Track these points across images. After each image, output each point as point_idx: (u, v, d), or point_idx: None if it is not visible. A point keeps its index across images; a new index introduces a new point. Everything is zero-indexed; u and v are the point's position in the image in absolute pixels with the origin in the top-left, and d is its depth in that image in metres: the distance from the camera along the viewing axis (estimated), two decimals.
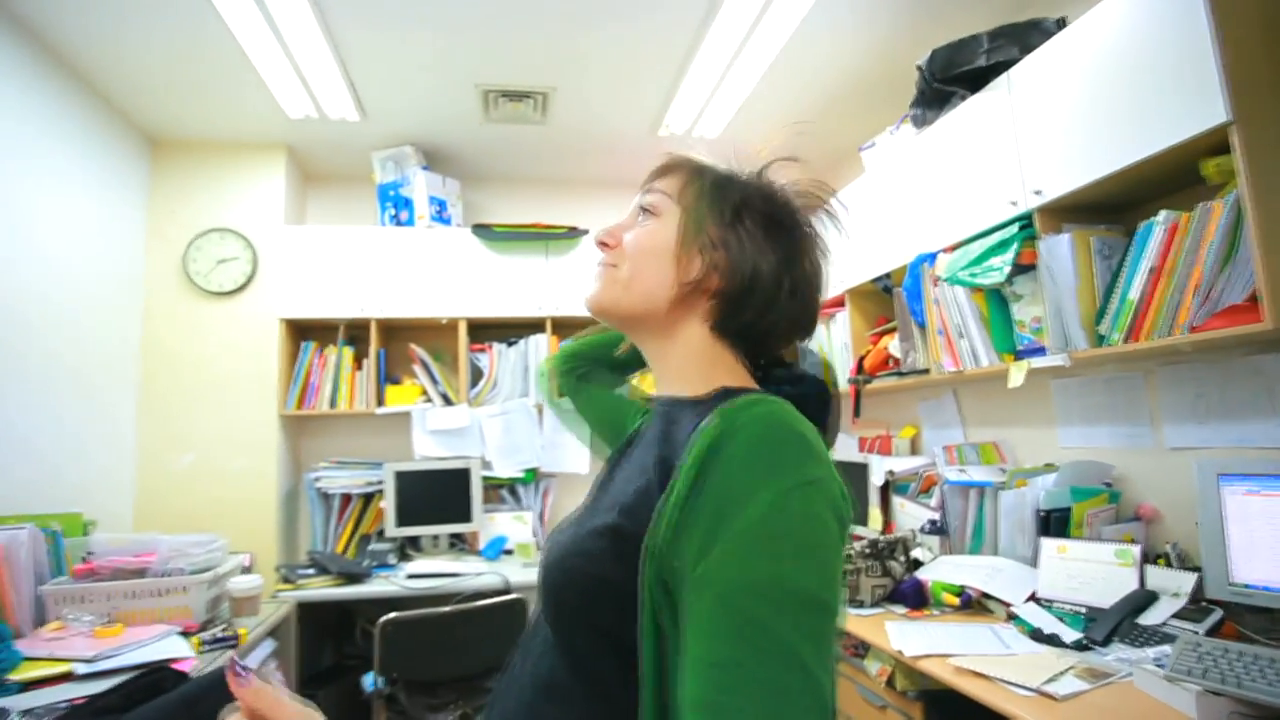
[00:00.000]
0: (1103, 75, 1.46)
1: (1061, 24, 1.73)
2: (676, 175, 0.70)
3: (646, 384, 0.97)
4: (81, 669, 1.51)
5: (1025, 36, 1.77)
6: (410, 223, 2.95)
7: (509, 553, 2.84)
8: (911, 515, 2.20)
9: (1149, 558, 1.55)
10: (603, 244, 0.70)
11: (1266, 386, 1.44)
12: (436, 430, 2.87)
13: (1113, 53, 1.44)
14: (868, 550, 1.90)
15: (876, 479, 2.42)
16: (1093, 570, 1.57)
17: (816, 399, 0.64)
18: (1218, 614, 1.35)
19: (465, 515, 2.85)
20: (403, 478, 2.81)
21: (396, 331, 3.06)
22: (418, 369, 2.93)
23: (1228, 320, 1.26)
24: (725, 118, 2.72)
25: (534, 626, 0.66)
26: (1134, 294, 1.43)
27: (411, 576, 2.47)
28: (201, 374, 2.70)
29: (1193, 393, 1.58)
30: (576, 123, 2.78)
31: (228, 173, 2.82)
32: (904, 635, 1.56)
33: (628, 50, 2.27)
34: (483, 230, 2.93)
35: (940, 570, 1.87)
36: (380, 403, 2.84)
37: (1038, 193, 1.64)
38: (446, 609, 2.01)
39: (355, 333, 2.90)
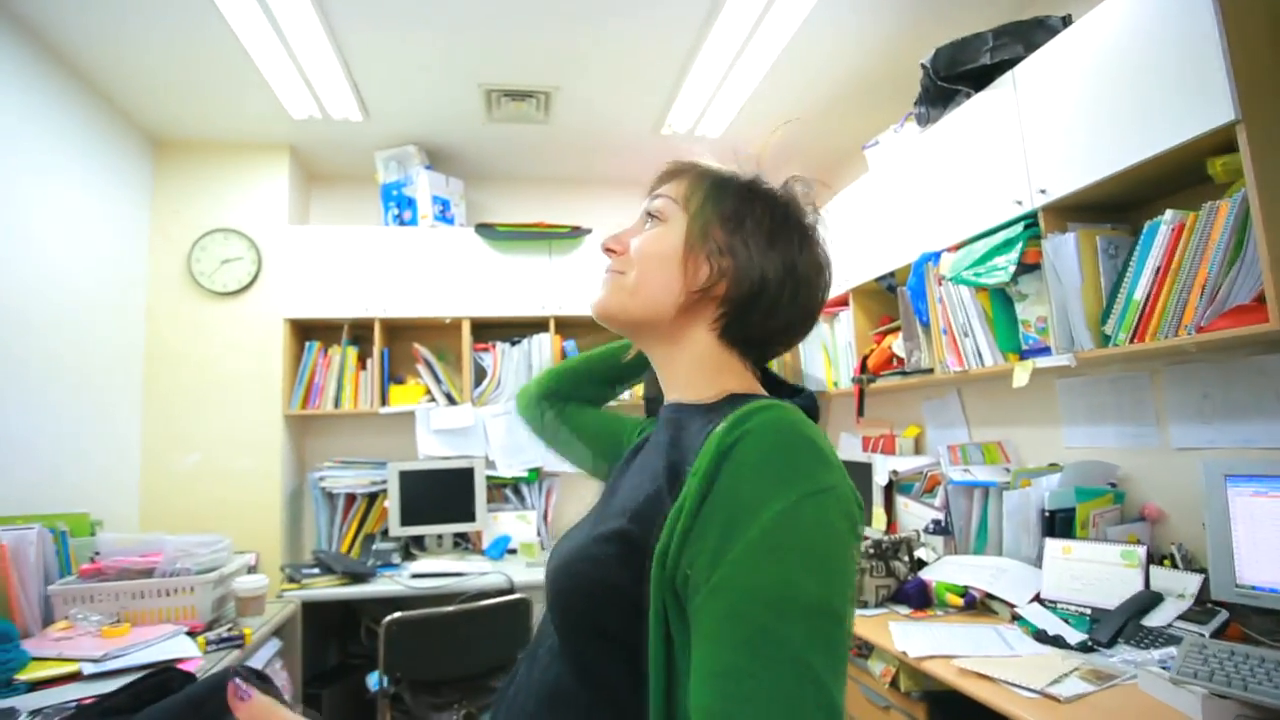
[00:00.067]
0: (1108, 73, 1.45)
1: (1067, 21, 1.72)
2: (682, 180, 0.69)
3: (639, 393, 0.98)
4: (89, 669, 1.52)
5: (1030, 34, 1.76)
6: (413, 222, 2.95)
7: (513, 552, 2.85)
8: (915, 515, 2.20)
9: (1154, 559, 1.55)
10: (609, 250, 0.70)
11: (1273, 387, 1.43)
12: (440, 430, 2.87)
13: (1119, 50, 1.43)
14: (872, 550, 1.90)
15: (880, 478, 2.42)
16: (1097, 571, 1.57)
17: (809, 411, 0.64)
18: (1223, 616, 1.35)
19: (469, 515, 2.86)
20: (407, 477, 2.82)
21: (400, 331, 3.06)
22: (421, 369, 2.94)
23: (1234, 321, 1.25)
24: (728, 116, 2.71)
25: (539, 634, 0.66)
26: (1139, 294, 1.42)
27: (416, 576, 2.48)
28: (206, 374, 2.71)
29: (1199, 393, 1.57)
30: (579, 122, 2.78)
31: (231, 173, 2.82)
32: (908, 636, 1.56)
33: (630, 49, 2.27)
34: (486, 230, 2.94)
35: (944, 571, 1.87)
36: (384, 402, 2.85)
37: (1043, 191, 1.63)
38: (450, 609, 2.01)
39: (359, 332, 2.90)
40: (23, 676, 1.47)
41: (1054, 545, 1.65)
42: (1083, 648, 1.39)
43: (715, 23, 2.10)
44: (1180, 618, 1.39)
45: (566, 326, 3.04)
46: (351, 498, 2.88)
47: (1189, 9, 1.27)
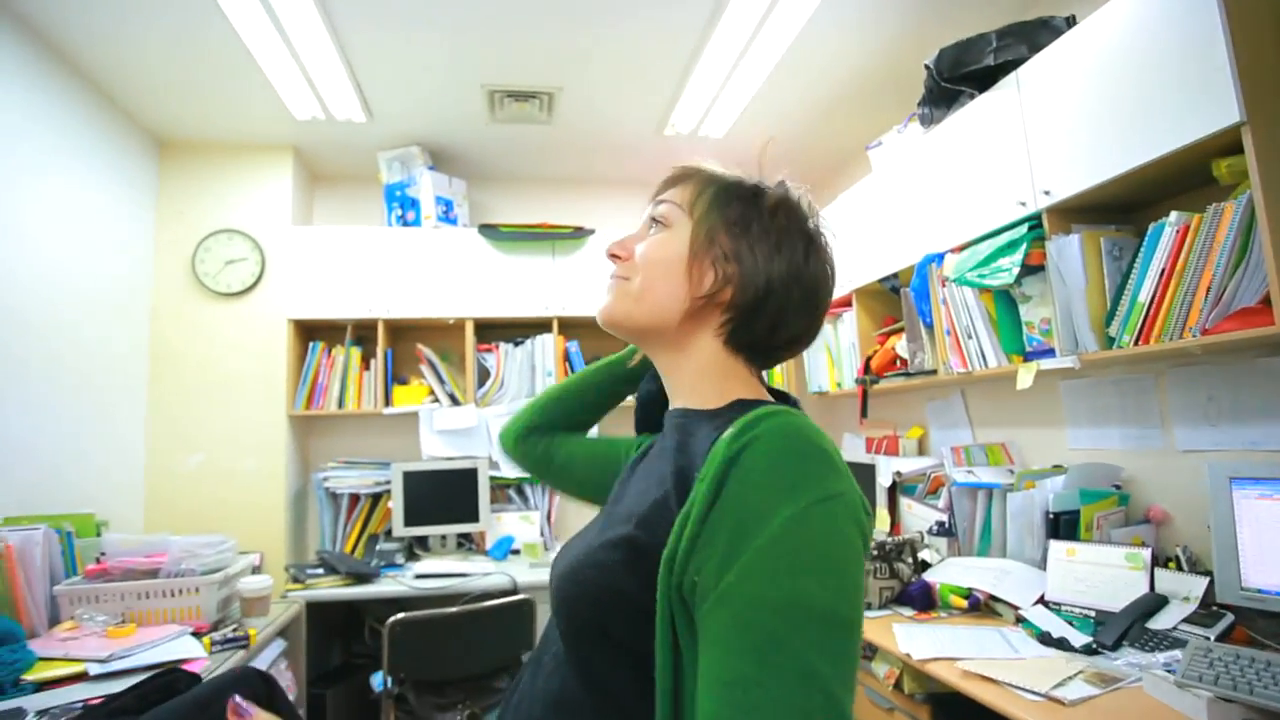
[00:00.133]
0: (1113, 74, 1.45)
1: (1071, 22, 1.71)
2: (687, 185, 0.69)
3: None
4: (95, 669, 1.53)
5: (1034, 35, 1.75)
6: (417, 223, 2.95)
7: (516, 552, 2.85)
8: (919, 516, 2.20)
9: (1159, 561, 1.54)
10: (614, 256, 0.70)
11: (1279, 390, 1.42)
12: (444, 430, 2.88)
13: (1123, 51, 1.42)
14: (875, 552, 1.89)
15: (884, 479, 2.41)
16: (1102, 573, 1.56)
17: None
18: (1229, 619, 1.34)
19: (472, 515, 2.86)
20: (410, 478, 2.83)
21: (403, 332, 3.07)
22: (425, 369, 2.94)
23: (1239, 323, 1.25)
24: (731, 117, 2.71)
25: (544, 641, 0.66)
26: (1144, 296, 1.41)
27: (419, 577, 2.49)
28: (210, 375, 2.72)
29: (1204, 395, 1.57)
30: (582, 122, 2.78)
31: (235, 174, 2.83)
32: (911, 638, 1.56)
33: (633, 50, 2.26)
34: (489, 230, 2.94)
35: (948, 572, 1.86)
36: (388, 403, 2.85)
37: (1047, 193, 1.63)
38: (454, 609, 2.02)
39: (362, 333, 2.91)
40: (29, 677, 1.47)
41: (1058, 547, 1.65)
42: (1087, 650, 1.38)
43: (719, 23, 2.10)
44: (1185, 621, 1.38)
45: (570, 327, 3.04)
46: (355, 498, 2.88)
47: (1194, 9, 1.27)
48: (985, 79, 1.83)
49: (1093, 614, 1.52)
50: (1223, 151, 1.31)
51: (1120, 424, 1.78)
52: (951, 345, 1.97)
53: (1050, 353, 1.66)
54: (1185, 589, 1.46)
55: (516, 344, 3.01)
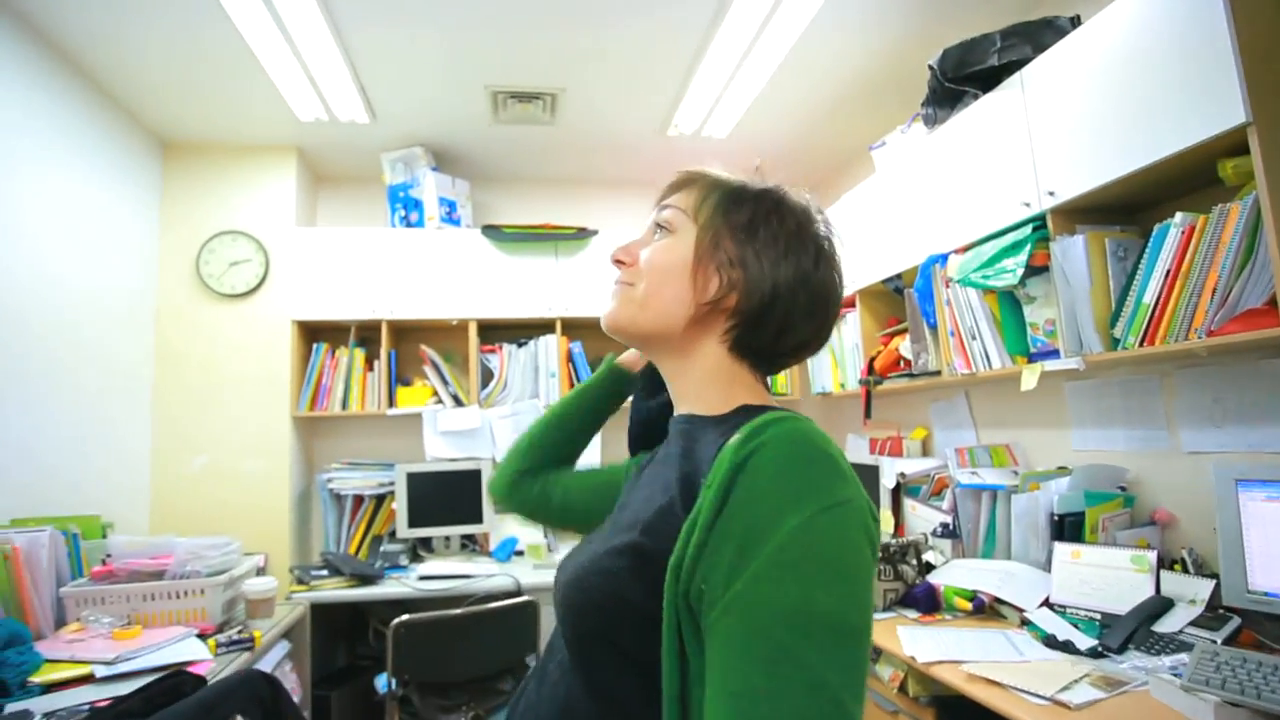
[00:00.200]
0: (1117, 74, 1.44)
1: (1076, 22, 1.70)
2: (691, 190, 0.68)
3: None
4: (101, 671, 1.54)
5: (1038, 35, 1.75)
6: (420, 224, 2.96)
7: (520, 554, 2.86)
8: (923, 518, 2.19)
9: (1164, 563, 1.53)
10: (619, 262, 0.69)
11: None
12: (447, 431, 2.88)
13: (1128, 51, 1.42)
14: (879, 554, 1.89)
15: (888, 481, 2.41)
16: (1107, 576, 1.56)
17: None
18: (1235, 622, 1.33)
19: (476, 516, 2.87)
20: (414, 479, 2.83)
21: (407, 333, 3.07)
22: (428, 370, 2.95)
23: (1245, 324, 1.24)
24: (735, 117, 2.71)
25: (549, 649, 0.66)
26: (1149, 297, 1.41)
27: (423, 578, 2.49)
28: (214, 376, 2.73)
29: (1210, 396, 1.56)
30: (585, 123, 2.78)
31: (239, 175, 2.84)
32: (916, 641, 1.55)
33: (637, 50, 2.26)
34: (492, 231, 2.94)
35: (952, 574, 1.86)
36: (391, 404, 2.86)
37: (1051, 193, 1.62)
38: (458, 611, 2.02)
39: (366, 334, 2.91)
40: (36, 679, 1.48)
41: (1063, 549, 1.64)
42: (1093, 654, 1.38)
43: (722, 23, 2.09)
44: (1192, 624, 1.38)
45: (573, 328, 3.05)
46: (359, 499, 2.89)
47: (1199, 9, 1.26)
48: (989, 79, 1.83)
49: (1098, 617, 1.52)
50: (1228, 152, 1.30)
51: (1125, 425, 1.77)
52: (955, 346, 1.96)
53: (1055, 354, 1.66)
54: (1191, 592, 1.45)
55: (520, 345, 3.02)
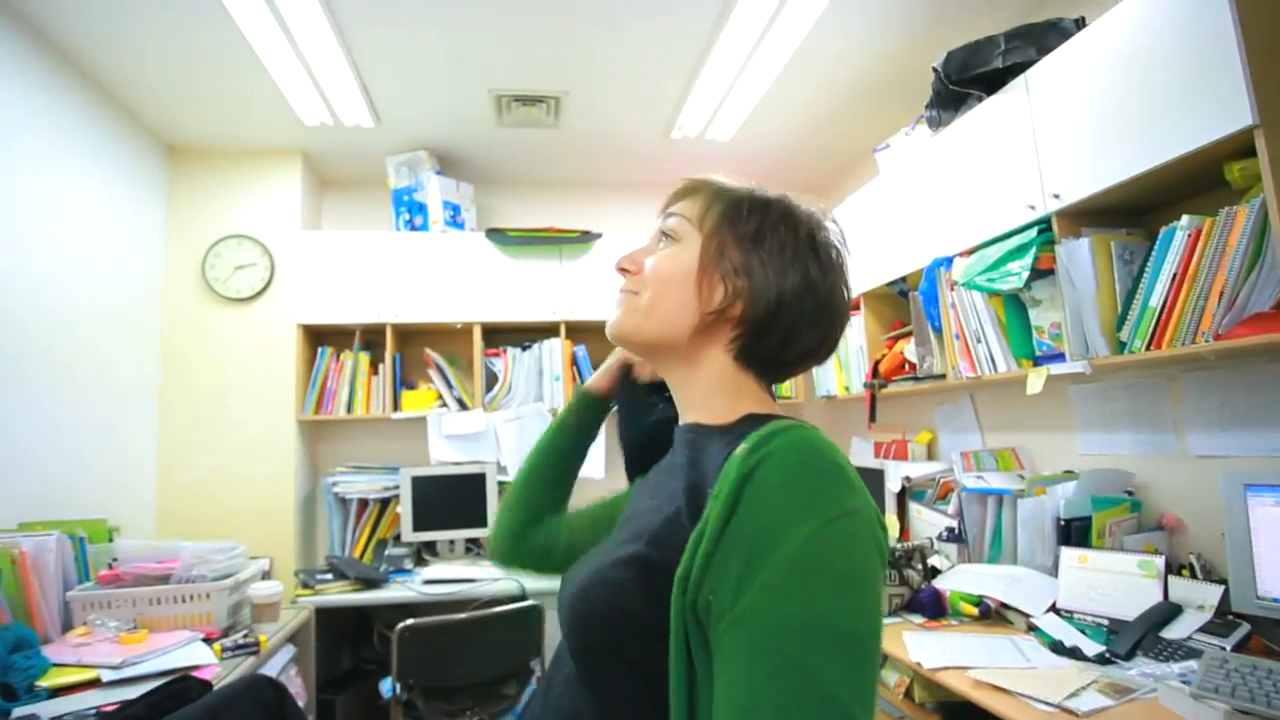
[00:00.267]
0: (1123, 76, 1.44)
1: (1080, 24, 1.70)
2: (697, 198, 0.68)
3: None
4: (108, 675, 1.54)
5: (1043, 37, 1.74)
6: (424, 228, 2.97)
7: None
8: (929, 522, 2.18)
9: (1172, 569, 1.52)
10: (623, 270, 0.69)
11: None
12: (452, 435, 2.88)
13: (1133, 53, 1.41)
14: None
15: (893, 485, 2.40)
16: (1115, 581, 1.55)
17: None
18: (1245, 629, 1.32)
19: (481, 520, 2.87)
20: (419, 482, 2.84)
21: (412, 336, 3.08)
22: (433, 374, 2.95)
23: (1253, 328, 1.23)
24: (738, 120, 2.70)
25: (555, 662, 0.65)
26: (1155, 300, 1.40)
27: (428, 582, 2.49)
28: (220, 380, 2.74)
29: (1217, 400, 1.55)
30: (589, 126, 2.78)
31: (244, 179, 2.85)
32: (922, 646, 1.54)
33: (640, 53, 2.26)
34: (496, 234, 2.94)
35: (958, 579, 1.85)
36: (396, 408, 2.86)
37: (1056, 196, 1.61)
38: (463, 615, 2.02)
39: (371, 338, 2.92)
40: (44, 683, 1.49)
41: (1070, 554, 1.63)
42: (1100, 660, 1.37)
43: (725, 26, 2.09)
44: (1200, 630, 1.36)
45: (577, 331, 3.05)
46: (364, 503, 2.89)
47: (1205, 11, 1.26)
48: (994, 81, 1.82)
49: (1106, 622, 1.51)
50: (1235, 154, 1.30)
51: (1132, 429, 1.76)
52: (960, 349, 1.96)
53: (1060, 357, 1.65)
54: (1200, 598, 1.44)
55: (524, 348, 3.02)
